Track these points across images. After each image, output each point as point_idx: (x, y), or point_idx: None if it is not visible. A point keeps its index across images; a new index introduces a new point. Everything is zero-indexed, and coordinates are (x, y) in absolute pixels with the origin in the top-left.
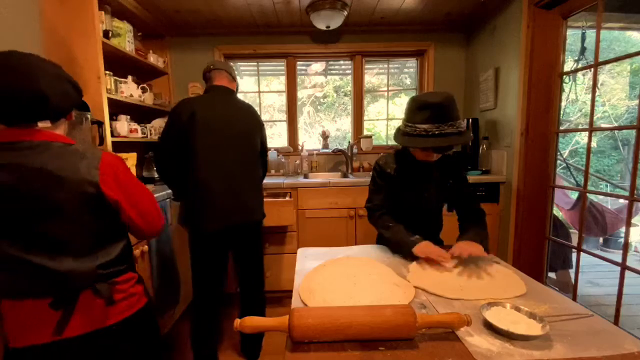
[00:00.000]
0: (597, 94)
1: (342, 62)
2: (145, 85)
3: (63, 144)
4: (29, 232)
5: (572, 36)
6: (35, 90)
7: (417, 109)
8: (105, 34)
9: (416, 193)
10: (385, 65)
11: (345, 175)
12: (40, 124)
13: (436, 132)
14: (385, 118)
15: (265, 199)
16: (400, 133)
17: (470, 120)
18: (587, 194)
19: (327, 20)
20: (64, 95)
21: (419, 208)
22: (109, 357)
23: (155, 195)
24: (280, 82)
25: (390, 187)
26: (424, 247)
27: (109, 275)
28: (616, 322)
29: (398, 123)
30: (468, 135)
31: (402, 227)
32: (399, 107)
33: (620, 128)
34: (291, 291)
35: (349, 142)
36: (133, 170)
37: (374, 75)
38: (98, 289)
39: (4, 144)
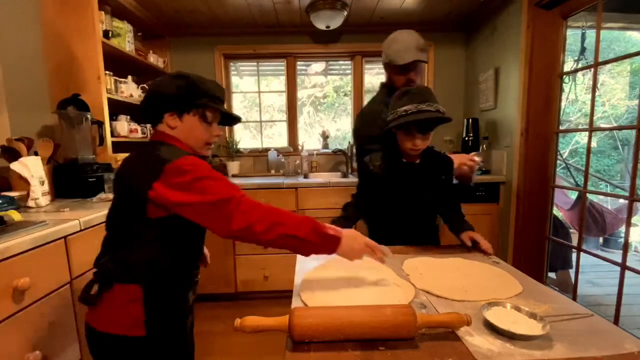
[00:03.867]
0: (597, 94)
1: (342, 62)
2: (145, 85)
3: (160, 142)
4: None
5: (572, 36)
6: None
7: (398, 98)
8: (105, 34)
9: (400, 192)
10: None
11: (345, 175)
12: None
13: (415, 110)
14: None
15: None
16: (386, 126)
17: (471, 120)
18: (587, 194)
19: (327, 21)
20: (146, 99)
21: (404, 206)
22: None
23: None
24: (280, 82)
25: (373, 185)
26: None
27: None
28: (616, 322)
29: None
30: (448, 116)
31: (343, 215)
32: None
33: (620, 128)
34: (291, 291)
35: (349, 142)
36: None
37: (374, 75)
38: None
39: None
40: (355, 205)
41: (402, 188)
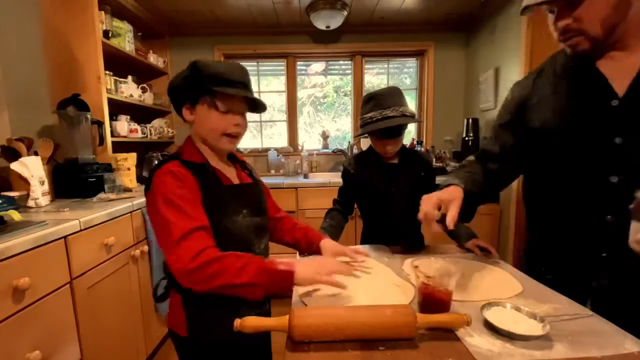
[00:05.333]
0: None
1: (342, 62)
2: (145, 85)
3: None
4: None
5: None
6: None
7: (364, 103)
8: (105, 34)
9: (384, 190)
10: (385, 65)
11: None
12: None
13: (379, 117)
14: None
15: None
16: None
17: (470, 120)
18: None
19: (327, 20)
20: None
21: (391, 203)
22: None
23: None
24: (280, 82)
25: (355, 187)
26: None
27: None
28: None
29: None
30: (414, 118)
31: (331, 223)
32: None
33: None
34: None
35: (349, 142)
36: (132, 171)
37: (374, 75)
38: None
39: None
40: (339, 211)
41: (384, 188)
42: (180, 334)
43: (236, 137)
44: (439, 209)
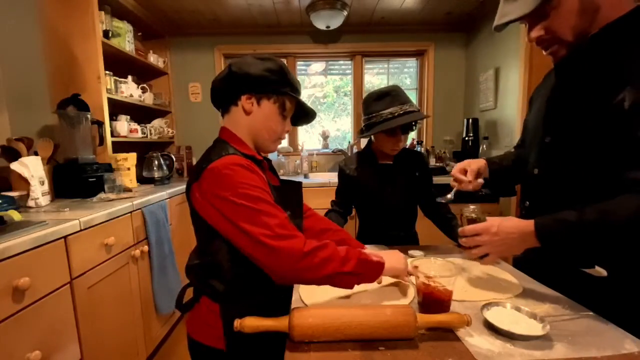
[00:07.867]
0: None
1: (342, 62)
2: (145, 85)
3: (217, 139)
4: None
5: None
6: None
7: (375, 100)
8: (105, 34)
9: (379, 190)
10: (385, 65)
11: None
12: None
13: (401, 112)
14: None
15: None
16: (366, 129)
17: (470, 120)
18: None
19: (327, 20)
20: (225, 79)
21: (386, 203)
22: None
23: (154, 195)
24: None
25: (352, 187)
26: None
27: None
28: None
29: None
30: (426, 115)
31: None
32: None
33: None
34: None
35: (349, 142)
36: (132, 171)
37: (374, 75)
38: None
39: None
40: (337, 212)
41: (379, 188)
42: (214, 347)
43: (281, 141)
44: (465, 173)
